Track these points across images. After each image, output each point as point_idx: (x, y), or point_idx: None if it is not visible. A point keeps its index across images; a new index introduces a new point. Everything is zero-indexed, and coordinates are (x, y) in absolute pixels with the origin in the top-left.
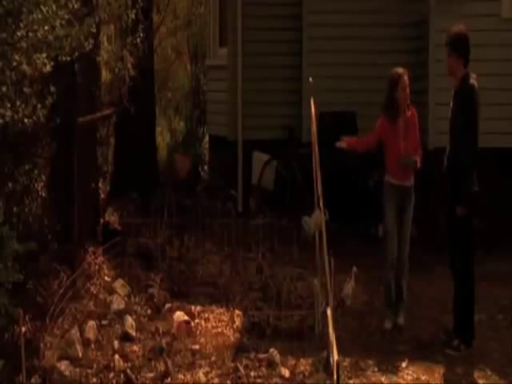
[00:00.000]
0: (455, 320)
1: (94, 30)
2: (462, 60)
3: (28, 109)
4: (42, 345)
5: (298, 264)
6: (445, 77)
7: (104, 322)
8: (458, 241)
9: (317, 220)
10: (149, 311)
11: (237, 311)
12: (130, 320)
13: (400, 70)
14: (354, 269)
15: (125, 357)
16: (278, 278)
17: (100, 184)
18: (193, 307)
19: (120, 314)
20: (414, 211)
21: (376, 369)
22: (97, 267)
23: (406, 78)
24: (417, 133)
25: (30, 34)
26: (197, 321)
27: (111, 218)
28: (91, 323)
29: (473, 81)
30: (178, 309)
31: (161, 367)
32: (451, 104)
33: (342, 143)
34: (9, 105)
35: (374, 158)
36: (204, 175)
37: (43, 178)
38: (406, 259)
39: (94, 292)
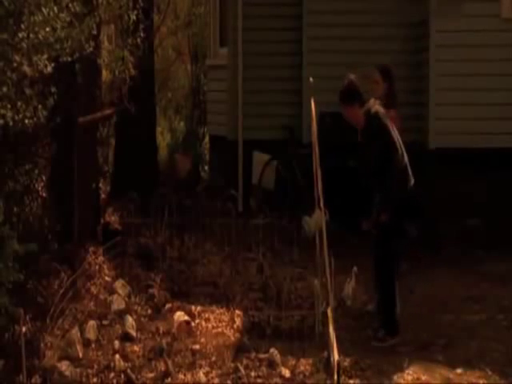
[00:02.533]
0: (379, 315)
1: (95, 32)
2: (358, 106)
3: (29, 109)
4: (42, 345)
5: (298, 264)
6: (445, 77)
7: (104, 322)
8: (380, 243)
9: (317, 220)
10: (149, 311)
11: (237, 311)
12: (130, 320)
13: None
14: (355, 269)
15: (125, 357)
16: (279, 278)
17: (100, 184)
18: (193, 307)
19: (120, 314)
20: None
21: (376, 369)
22: (97, 267)
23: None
24: None
25: (31, 36)
26: (197, 321)
27: (111, 217)
28: (91, 323)
29: (373, 109)
30: (179, 309)
31: (161, 367)
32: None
33: None
34: (9, 105)
35: None
36: (204, 175)
37: (43, 177)
38: None
39: (95, 292)
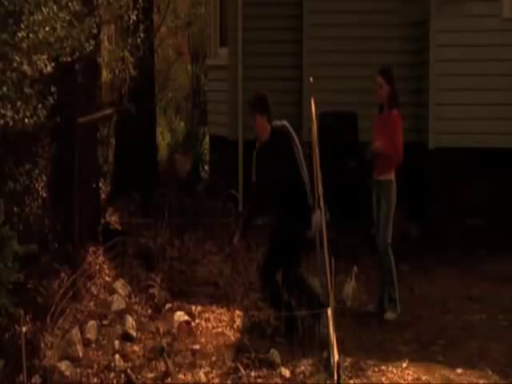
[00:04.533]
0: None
1: (95, 31)
2: (266, 118)
3: (29, 109)
4: (42, 345)
5: None
6: (445, 77)
7: (104, 322)
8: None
9: (317, 220)
10: (149, 311)
11: (237, 311)
12: (130, 320)
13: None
14: (355, 269)
15: (125, 357)
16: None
17: (101, 184)
18: (193, 307)
19: (120, 314)
20: (415, 210)
21: (376, 369)
22: (97, 267)
23: (378, 78)
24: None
25: (31, 35)
26: (197, 321)
27: (112, 217)
28: (92, 323)
29: (279, 123)
30: (179, 309)
31: (161, 367)
32: (266, 158)
33: None
34: (9, 105)
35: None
36: (204, 175)
37: (44, 177)
38: (382, 252)
39: (95, 292)
